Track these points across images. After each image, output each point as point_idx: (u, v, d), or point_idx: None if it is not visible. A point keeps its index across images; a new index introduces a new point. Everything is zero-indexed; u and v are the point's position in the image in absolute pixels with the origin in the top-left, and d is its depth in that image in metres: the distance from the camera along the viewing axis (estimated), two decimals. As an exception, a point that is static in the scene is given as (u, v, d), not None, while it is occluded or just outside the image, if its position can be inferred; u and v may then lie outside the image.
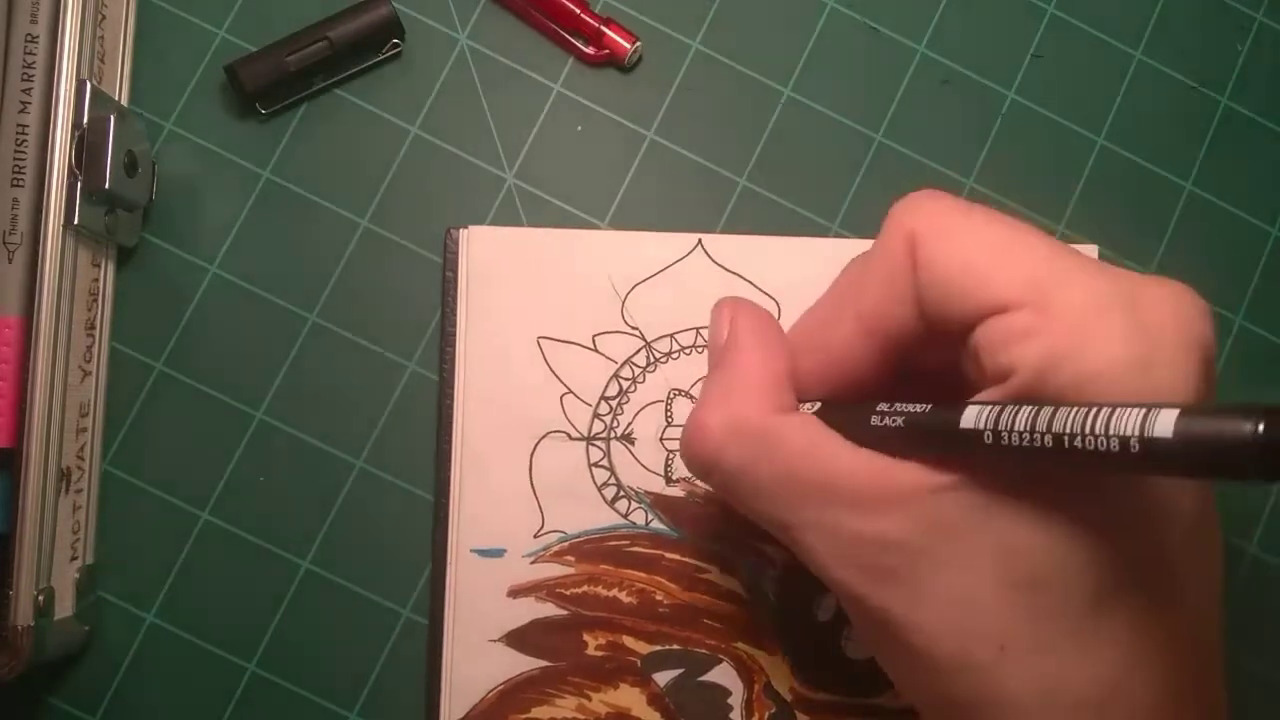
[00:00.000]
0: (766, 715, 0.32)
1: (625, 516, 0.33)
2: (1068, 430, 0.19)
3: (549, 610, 0.32)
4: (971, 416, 0.21)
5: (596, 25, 0.34)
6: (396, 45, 0.34)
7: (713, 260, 0.34)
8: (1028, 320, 0.21)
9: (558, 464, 0.33)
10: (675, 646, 0.32)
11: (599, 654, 0.32)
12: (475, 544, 0.32)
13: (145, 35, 0.34)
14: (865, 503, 0.23)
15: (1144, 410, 0.18)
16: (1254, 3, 0.37)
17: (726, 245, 0.34)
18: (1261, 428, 0.16)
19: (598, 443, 0.33)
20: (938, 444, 0.22)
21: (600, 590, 0.32)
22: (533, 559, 0.32)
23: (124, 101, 0.33)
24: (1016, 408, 0.20)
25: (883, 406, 0.24)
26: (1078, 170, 0.36)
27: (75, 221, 0.30)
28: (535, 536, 0.33)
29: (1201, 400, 0.20)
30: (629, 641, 0.32)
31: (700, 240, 0.34)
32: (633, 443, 0.33)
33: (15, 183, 0.30)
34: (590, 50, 0.35)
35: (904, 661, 0.24)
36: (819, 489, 0.23)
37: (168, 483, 0.33)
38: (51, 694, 0.32)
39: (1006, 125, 0.36)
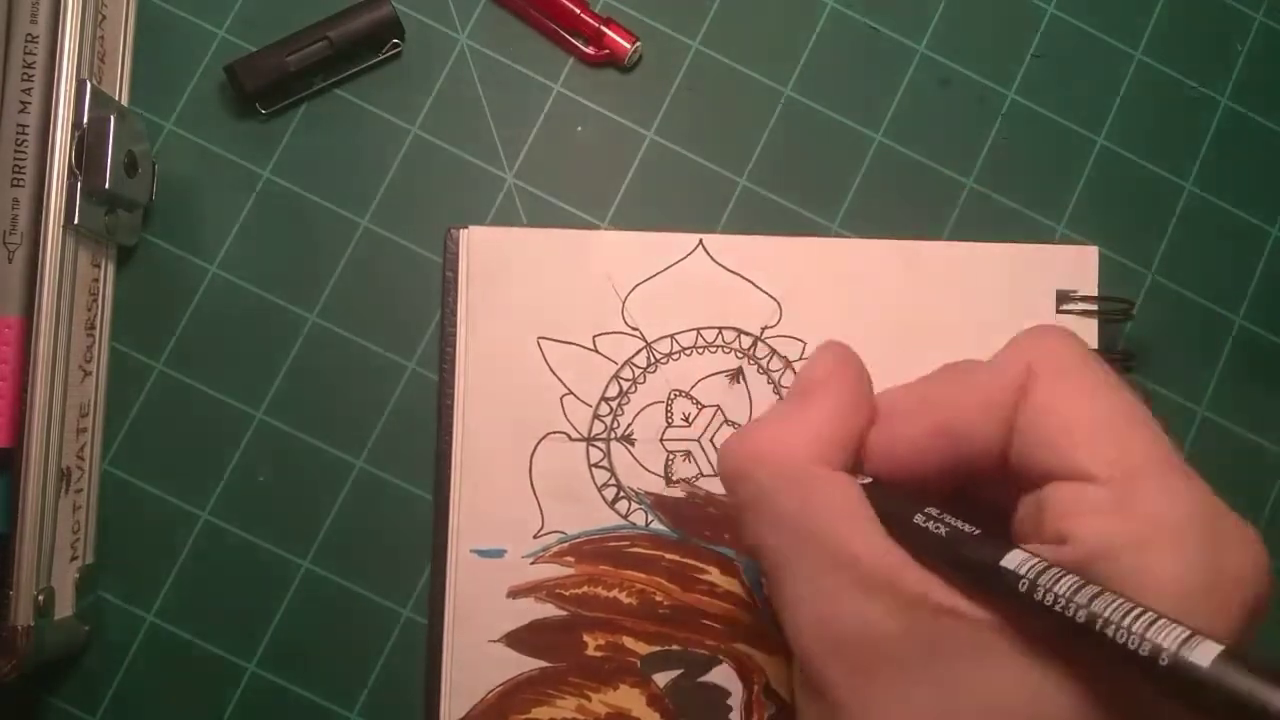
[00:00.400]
0: (766, 716, 0.32)
1: (625, 517, 0.33)
2: (1105, 615, 0.19)
3: (549, 611, 0.32)
4: (1015, 560, 0.21)
5: (596, 25, 0.34)
6: (396, 45, 0.34)
7: (714, 260, 0.34)
8: (1106, 498, 0.21)
9: (558, 464, 0.33)
10: (675, 647, 0.32)
11: (599, 655, 0.32)
12: (475, 544, 0.32)
13: (145, 35, 0.34)
14: (872, 587, 0.22)
15: (1189, 632, 0.18)
16: (1254, 3, 0.37)
17: (727, 245, 0.34)
18: None
19: (598, 443, 0.33)
20: (969, 570, 0.22)
21: (600, 591, 0.32)
22: (532, 560, 0.32)
23: (124, 101, 0.33)
24: (1063, 572, 0.20)
25: (931, 510, 0.23)
26: (1078, 170, 0.36)
27: (75, 221, 0.30)
28: (535, 537, 0.33)
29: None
30: (629, 642, 0.32)
31: (701, 240, 0.34)
32: (633, 443, 0.33)
33: (15, 183, 0.30)
34: (590, 50, 0.35)
35: None
36: (834, 552, 0.23)
37: (168, 483, 0.33)
38: (51, 694, 0.32)
39: (1006, 125, 0.36)
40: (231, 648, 0.32)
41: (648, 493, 0.33)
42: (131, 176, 0.32)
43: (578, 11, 0.34)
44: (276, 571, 0.33)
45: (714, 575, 0.33)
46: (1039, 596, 0.20)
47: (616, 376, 0.33)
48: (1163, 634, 0.18)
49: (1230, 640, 0.19)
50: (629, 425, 0.33)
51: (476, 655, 0.32)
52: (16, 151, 0.30)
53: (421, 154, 0.35)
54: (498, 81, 0.35)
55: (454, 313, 0.33)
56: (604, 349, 0.33)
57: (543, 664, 0.32)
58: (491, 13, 0.35)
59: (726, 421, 0.33)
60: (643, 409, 0.33)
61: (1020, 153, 0.36)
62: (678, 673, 0.32)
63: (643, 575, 0.33)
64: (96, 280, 0.32)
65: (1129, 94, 0.36)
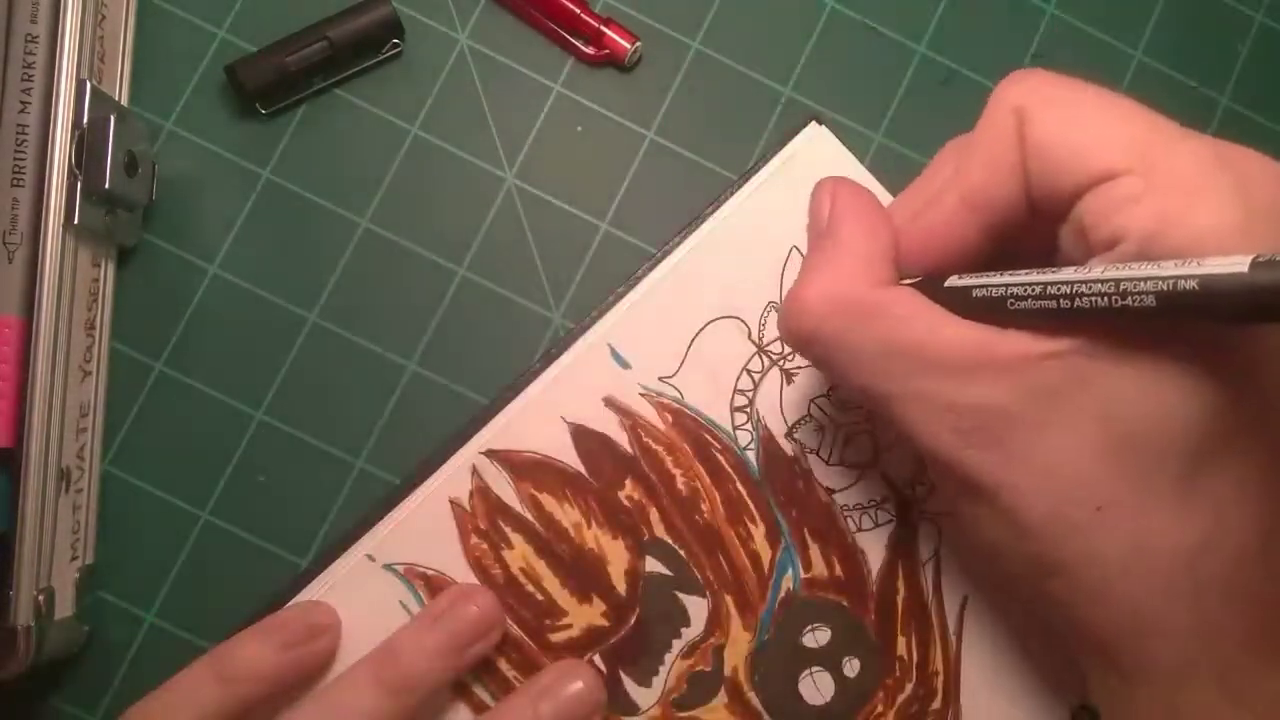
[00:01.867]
0: (696, 668, 0.32)
1: (735, 428, 0.33)
2: (1167, 276, 0.20)
3: (622, 439, 0.33)
4: (1072, 274, 0.21)
5: (596, 25, 0.34)
6: (396, 45, 0.34)
7: None
8: (1135, 186, 0.22)
9: (723, 345, 0.33)
10: (681, 553, 0.33)
11: (626, 502, 0.33)
12: (617, 344, 0.33)
13: (145, 35, 0.34)
14: (967, 370, 0.23)
15: (1229, 257, 0.19)
16: (1254, 3, 0.37)
17: None
18: None
19: (764, 356, 0.33)
20: (1039, 311, 0.22)
21: (668, 462, 0.33)
22: (643, 392, 0.33)
23: (124, 101, 0.33)
24: (1110, 265, 0.21)
25: (983, 278, 0.24)
26: (1078, 170, 0.36)
27: (75, 221, 0.30)
28: (660, 379, 0.33)
29: None
30: (653, 515, 0.33)
31: None
32: (790, 382, 0.33)
33: (15, 183, 0.30)
34: (590, 50, 0.35)
35: (992, 525, 0.24)
36: (920, 358, 0.24)
37: (168, 483, 0.33)
38: (51, 694, 0.32)
39: (1006, 125, 0.36)
40: (231, 648, 0.32)
41: (766, 426, 0.33)
42: (131, 176, 0.32)
43: (578, 11, 0.34)
44: (276, 572, 0.33)
45: (757, 531, 0.33)
46: (1103, 302, 0.21)
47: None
48: (1204, 267, 0.19)
49: None
50: (799, 367, 0.33)
51: (544, 417, 0.33)
52: (16, 151, 0.30)
53: (421, 154, 0.35)
54: (498, 81, 0.35)
55: (756, 169, 0.34)
56: None
57: (581, 470, 0.33)
58: (491, 13, 0.35)
59: (869, 432, 0.33)
60: (810, 367, 0.33)
61: (1020, 153, 0.36)
62: (667, 573, 0.33)
63: (707, 480, 0.33)
64: (96, 280, 0.32)
65: (1129, 94, 0.36)
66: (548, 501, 0.32)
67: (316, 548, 0.33)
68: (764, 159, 0.34)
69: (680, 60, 0.35)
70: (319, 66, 0.34)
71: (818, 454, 0.33)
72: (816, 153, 0.34)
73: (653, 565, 0.33)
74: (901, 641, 0.33)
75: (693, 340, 0.33)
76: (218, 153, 0.34)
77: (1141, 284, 0.20)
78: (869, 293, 0.25)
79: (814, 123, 0.34)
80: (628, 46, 0.35)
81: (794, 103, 0.35)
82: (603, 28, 0.34)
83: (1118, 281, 0.21)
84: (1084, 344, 0.22)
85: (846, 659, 0.33)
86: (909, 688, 0.33)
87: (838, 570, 0.33)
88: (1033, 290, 0.22)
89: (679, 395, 0.33)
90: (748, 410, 0.33)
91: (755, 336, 0.33)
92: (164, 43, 0.34)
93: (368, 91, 0.35)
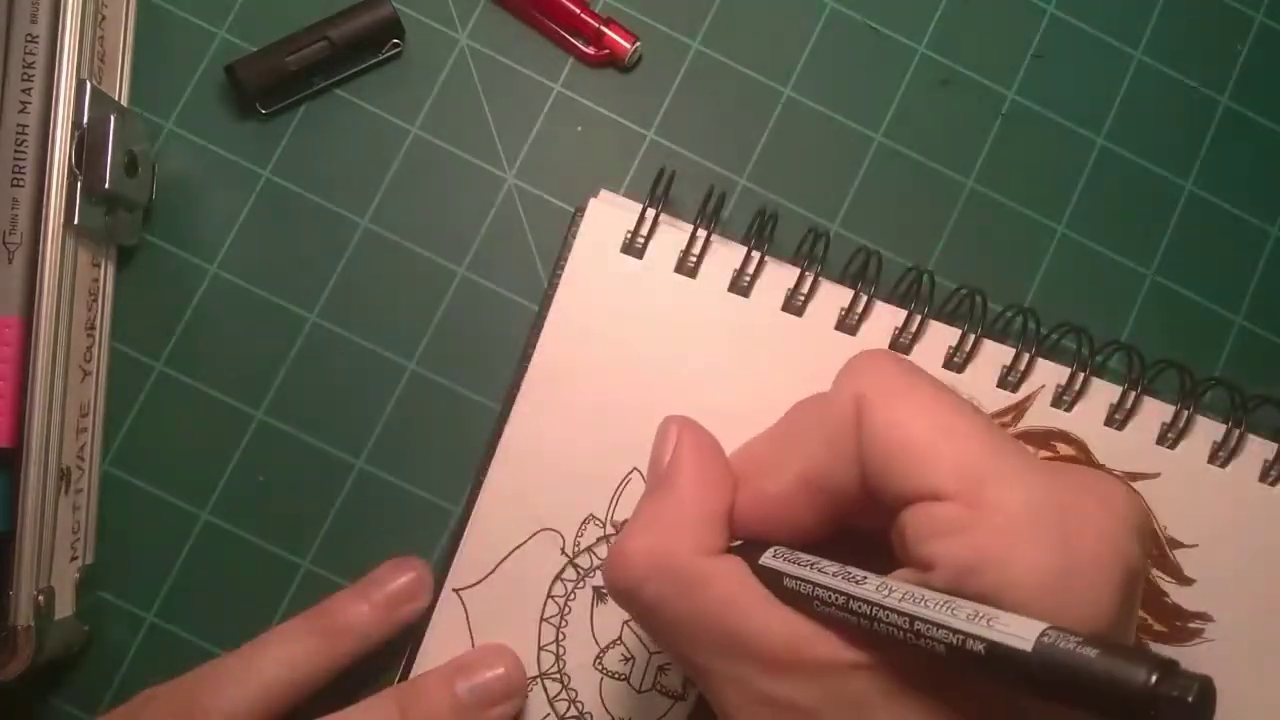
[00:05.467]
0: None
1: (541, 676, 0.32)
2: (958, 630, 0.19)
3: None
4: (874, 593, 0.21)
5: (596, 25, 0.34)
6: (396, 45, 0.34)
7: None
8: (957, 514, 0.21)
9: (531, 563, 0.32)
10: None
11: None
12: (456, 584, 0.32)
13: (145, 35, 0.34)
14: (779, 666, 0.22)
15: (1035, 623, 0.19)
16: (1254, 3, 0.37)
17: None
18: (1152, 679, 0.17)
19: (578, 568, 0.32)
20: (842, 620, 0.22)
21: None
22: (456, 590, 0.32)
23: (124, 101, 0.33)
24: (912, 590, 0.21)
25: (796, 567, 0.23)
26: (1078, 170, 0.36)
27: (75, 221, 0.30)
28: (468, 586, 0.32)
29: (1115, 622, 0.21)
30: None
31: None
32: (604, 601, 0.32)
33: (15, 183, 0.30)
34: (590, 50, 0.35)
35: None
36: (735, 643, 0.23)
37: (168, 483, 0.33)
38: (51, 694, 0.32)
39: (1006, 125, 0.36)
40: (232, 648, 0.32)
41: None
42: (131, 176, 0.32)
43: (578, 11, 0.34)
44: (277, 572, 0.33)
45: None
46: (907, 629, 0.20)
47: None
48: (994, 630, 0.19)
49: (1105, 616, 0.20)
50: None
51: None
52: (16, 151, 0.30)
53: (421, 154, 0.35)
54: (498, 81, 0.35)
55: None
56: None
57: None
58: (491, 13, 0.35)
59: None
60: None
61: (1020, 153, 0.36)
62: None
63: None
64: (96, 280, 0.32)
65: (1129, 94, 0.36)
66: None
67: (316, 548, 0.33)
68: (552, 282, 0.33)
69: (680, 60, 0.35)
70: (319, 66, 0.34)
71: (626, 680, 0.32)
72: (594, 258, 0.33)
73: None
74: None
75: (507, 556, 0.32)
76: (218, 153, 0.34)
77: (934, 629, 0.20)
78: (694, 561, 0.24)
79: (580, 220, 0.33)
80: (628, 46, 0.35)
81: (794, 103, 0.35)
82: (602, 28, 0.34)
83: (913, 619, 0.20)
84: (886, 661, 0.22)
85: None
86: None
87: None
88: (836, 599, 0.22)
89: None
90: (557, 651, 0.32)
91: (568, 550, 0.33)
92: (164, 43, 0.34)
93: (368, 91, 0.35)
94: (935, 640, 0.20)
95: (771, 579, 0.24)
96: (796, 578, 0.23)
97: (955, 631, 0.19)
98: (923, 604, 0.20)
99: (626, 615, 0.32)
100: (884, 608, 0.21)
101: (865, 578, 0.22)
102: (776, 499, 0.25)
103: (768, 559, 0.24)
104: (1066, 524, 0.21)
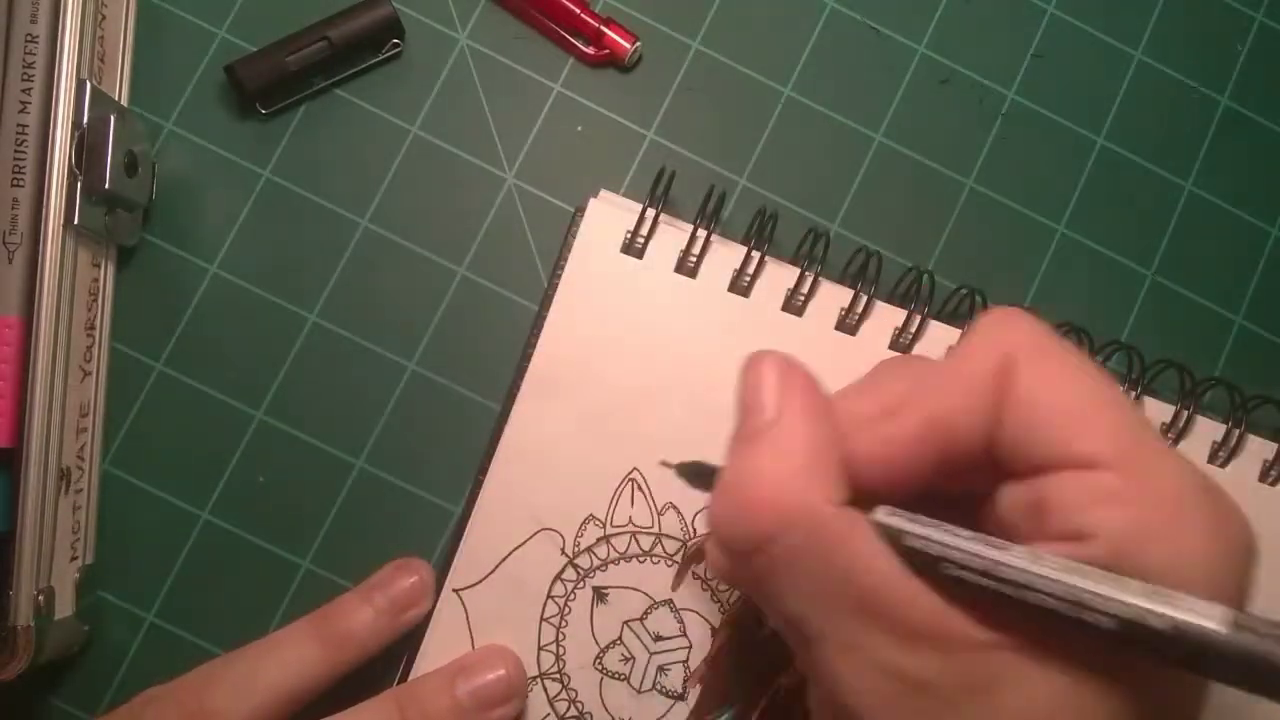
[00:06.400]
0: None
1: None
2: (1138, 606, 0.18)
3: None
4: (1024, 562, 0.20)
5: (596, 25, 0.34)
6: (396, 45, 0.34)
7: None
8: (1118, 485, 0.20)
9: (529, 564, 0.32)
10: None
11: None
12: (456, 585, 0.32)
13: (145, 35, 0.34)
14: (915, 637, 0.21)
15: (1212, 605, 0.18)
16: (1254, 3, 0.37)
17: None
18: None
19: (577, 569, 0.32)
20: (976, 586, 0.20)
21: None
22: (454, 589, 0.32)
23: (124, 101, 0.33)
24: (1067, 563, 0.19)
25: (921, 525, 0.21)
26: (1077, 170, 0.36)
27: (75, 221, 0.30)
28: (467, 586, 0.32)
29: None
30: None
31: None
32: (604, 601, 0.33)
33: (15, 183, 0.30)
34: (590, 50, 0.35)
35: None
36: (869, 608, 0.21)
37: (168, 483, 0.33)
38: (51, 694, 0.32)
39: (1006, 125, 0.36)
40: (232, 648, 0.32)
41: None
42: (131, 176, 0.32)
43: (578, 11, 0.34)
44: (277, 572, 0.33)
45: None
46: (1041, 599, 0.19)
47: (635, 535, 0.33)
48: (1179, 610, 0.18)
49: (1241, 603, 0.19)
50: (609, 587, 0.32)
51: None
52: (16, 151, 0.30)
53: (421, 154, 0.35)
54: (498, 81, 0.35)
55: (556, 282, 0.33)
56: (665, 506, 0.33)
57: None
58: (491, 13, 0.35)
59: (684, 661, 0.32)
60: (629, 587, 0.32)
61: (1020, 153, 0.36)
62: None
63: None
64: (96, 280, 0.32)
65: (1129, 94, 0.36)
66: None
67: (315, 548, 0.33)
68: (555, 275, 0.33)
69: (680, 60, 0.35)
70: (319, 66, 0.34)
71: (626, 681, 0.32)
72: (596, 252, 0.33)
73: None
74: None
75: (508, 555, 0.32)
76: (218, 153, 0.34)
77: (1103, 602, 0.18)
78: (831, 515, 0.21)
79: (581, 214, 0.33)
80: (628, 46, 0.35)
81: (794, 102, 0.35)
82: (603, 28, 0.34)
83: (1079, 591, 0.19)
84: (1028, 637, 0.20)
85: None
86: None
87: None
88: (977, 563, 0.20)
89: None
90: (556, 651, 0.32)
91: (567, 550, 0.32)
92: (164, 42, 0.34)
93: (368, 91, 0.35)
94: (1103, 614, 0.18)
95: (889, 539, 0.22)
96: (926, 538, 0.21)
97: (1131, 607, 0.18)
98: (1085, 576, 0.19)
99: (626, 616, 0.32)
100: (1041, 576, 0.19)
101: (1007, 545, 0.20)
102: (897, 442, 0.23)
103: (884, 516, 0.22)
104: (1218, 507, 0.20)
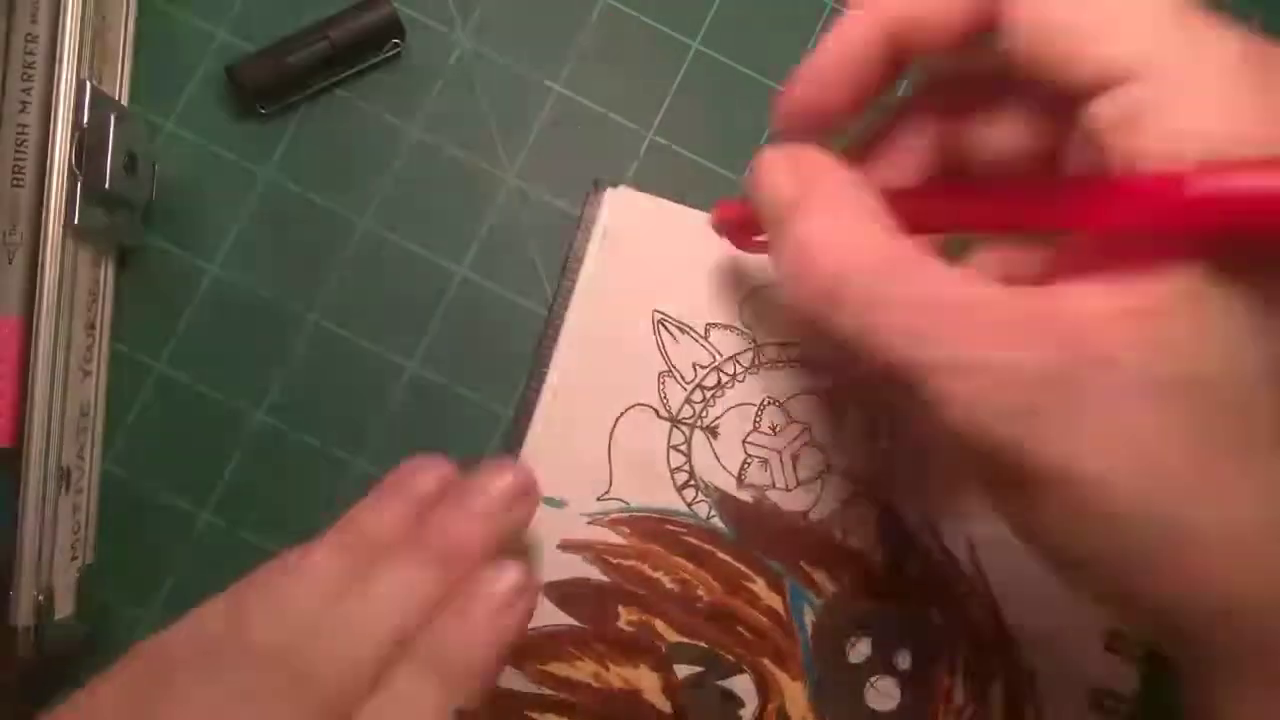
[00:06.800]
0: None
1: (689, 505, 0.33)
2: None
3: (592, 573, 0.32)
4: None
5: None
6: (396, 45, 0.34)
7: None
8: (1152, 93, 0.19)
9: (639, 436, 0.33)
10: (703, 644, 0.32)
11: (628, 629, 0.32)
12: (541, 489, 0.32)
13: (145, 35, 0.34)
14: (1026, 336, 0.20)
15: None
16: (1254, 3, 0.37)
17: None
18: None
19: (682, 426, 0.33)
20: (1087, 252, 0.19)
21: (646, 569, 0.32)
22: (590, 520, 0.33)
23: (124, 101, 0.33)
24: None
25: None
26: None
27: (75, 221, 0.30)
28: (599, 499, 0.33)
29: None
30: (660, 626, 0.32)
31: None
32: (716, 436, 0.33)
33: (15, 183, 0.30)
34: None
35: (1058, 516, 0.20)
36: (967, 321, 0.20)
37: (168, 483, 0.33)
38: (51, 694, 0.32)
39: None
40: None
41: (717, 488, 0.33)
42: (131, 176, 0.32)
43: None
44: (276, 571, 0.33)
45: (759, 586, 0.33)
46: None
47: (718, 368, 0.33)
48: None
49: None
50: (717, 418, 0.33)
51: None
52: (16, 151, 0.30)
53: (421, 154, 0.35)
54: (498, 81, 0.35)
55: (579, 261, 0.33)
56: (714, 340, 0.33)
57: (572, 623, 0.32)
58: (492, 13, 0.35)
59: (810, 443, 0.33)
60: (733, 406, 0.33)
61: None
62: (700, 670, 0.32)
63: (690, 566, 0.33)
64: (96, 280, 0.32)
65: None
66: (559, 669, 0.32)
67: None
68: (573, 253, 0.34)
69: (680, 60, 0.35)
70: (319, 66, 0.34)
71: (774, 487, 0.33)
72: (630, 217, 0.34)
73: (683, 670, 0.32)
74: (934, 612, 0.33)
75: (609, 449, 0.33)
76: (218, 153, 0.34)
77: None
78: (893, 241, 0.21)
79: (609, 189, 0.34)
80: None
81: (794, 103, 0.35)
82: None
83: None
84: (1147, 300, 0.19)
85: (895, 654, 0.33)
86: (963, 649, 0.32)
87: (845, 580, 0.33)
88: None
89: (625, 504, 0.33)
90: (693, 483, 0.33)
91: (664, 413, 0.33)
92: (164, 43, 0.34)
93: (368, 91, 0.35)
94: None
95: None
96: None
97: None
98: None
99: (741, 435, 0.33)
100: None
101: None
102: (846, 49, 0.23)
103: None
104: (1271, 70, 0.19)
